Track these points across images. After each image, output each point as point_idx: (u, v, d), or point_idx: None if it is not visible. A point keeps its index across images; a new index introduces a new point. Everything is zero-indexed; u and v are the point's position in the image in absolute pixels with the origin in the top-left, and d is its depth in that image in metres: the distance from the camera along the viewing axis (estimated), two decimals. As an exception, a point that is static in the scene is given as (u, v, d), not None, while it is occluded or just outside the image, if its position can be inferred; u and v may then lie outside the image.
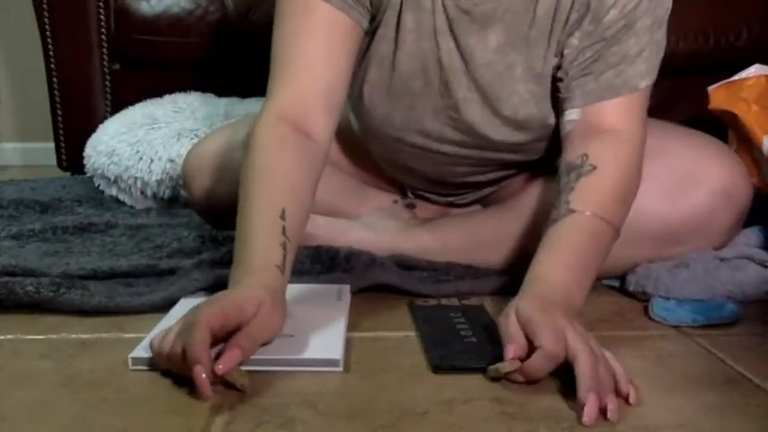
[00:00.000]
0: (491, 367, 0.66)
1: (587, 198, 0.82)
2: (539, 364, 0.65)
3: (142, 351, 0.70)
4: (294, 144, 0.83)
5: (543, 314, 0.67)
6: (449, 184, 1.08)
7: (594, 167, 0.84)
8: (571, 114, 0.90)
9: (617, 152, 0.86)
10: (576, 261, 0.78)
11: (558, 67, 0.90)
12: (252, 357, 0.67)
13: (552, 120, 0.94)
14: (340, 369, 0.69)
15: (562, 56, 0.90)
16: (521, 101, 0.92)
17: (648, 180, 0.89)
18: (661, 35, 0.89)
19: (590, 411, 0.59)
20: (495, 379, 0.66)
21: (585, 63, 0.89)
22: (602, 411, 0.60)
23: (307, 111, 0.85)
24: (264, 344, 0.69)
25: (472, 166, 1.03)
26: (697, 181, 0.91)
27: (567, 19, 0.88)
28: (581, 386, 0.61)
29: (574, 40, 0.89)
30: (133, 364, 0.69)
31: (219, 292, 0.71)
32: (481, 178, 1.06)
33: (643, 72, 0.88)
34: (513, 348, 0.66)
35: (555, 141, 0.95)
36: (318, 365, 0.69)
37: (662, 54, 0.90)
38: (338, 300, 0.85)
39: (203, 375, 0.60)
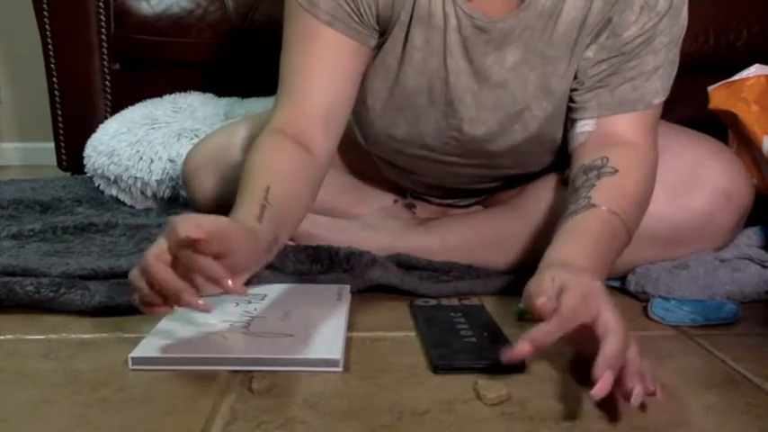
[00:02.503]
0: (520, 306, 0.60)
1: (608, 196, 0.81)
2: (573, 300, 0.61)
3: (142, 351, 0.70)
4: (291, 148, 0.85)
5: (580, 279, 0.65)
6: (449, 189, 1.08)
7: (616, 170, 0.84)
8: (584, 126, 0.90)
9: (637, 161, 0.86)
10: (597, 250, 0.76)
11: (574, 79, 0.90)
12: (252, 357, 0.67)
13: (560, 134, 0.94)
14: (339, 369, 0.69)
15: (578, 67, 0.90)
16: (532, 117, 0.92)
17: None
18: (675, 54, 0.90)
19: (602, 387, 0.55)
20: (522, 318, 0.61)
21: (601, 75, 0.89)
22: (626, 396, 0.57)
23: (306, 130, 0.87)
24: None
25: (473, 176, 1.03)
26: (698, 182, 0.91)
27: (589, 34, 0.88)
28: (601, 360, 0.57)
29: (589, 53, 0.89)
30: (133, 364, 0.69)
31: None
32: (482, 186, 1.06)
33: (658, 89, 0.89)
34: (543, 300, 0.62)
35: (559, 156, 0.96)
36: (318, 365, 0.69)
37: (675, 73, 0.91)
38: (338, 300, 0.85)
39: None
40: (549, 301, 0.63)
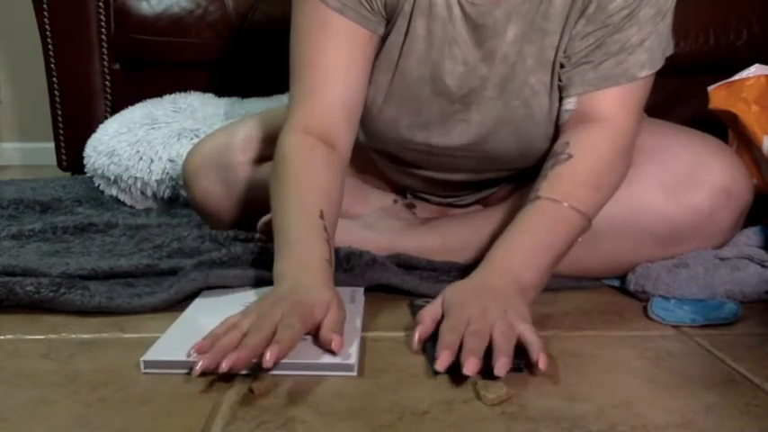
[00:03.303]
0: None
1: (556, 186, 0.85)
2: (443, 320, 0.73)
3: (154, 354, 0.69)
4: (322, 151, 0.88)
5: (461, 292, 0.76)
6: (452, 184, 1.07)
7: (571, 156, 0.87)
8: (568, 104, 0.91)
9: (598, 141, 0.88)
10: (527, 240, 0.82)
11: (563, 53, 0.91)
12: None
13: (556, 114, 0.94)
14: (354, 374, 0.68)
15: (568, 40, 0.90)
16: (532, 92, 0.92)
17: (649, 179, 0.90)
18: (665, 25, 0.89)
19: (442, 361, 0.66)
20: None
21: (587, 50, 0.89)
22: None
23: (329, 124, 0.89)
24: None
25: (477, 167, 1.02)
26: (698, 180, 0.91)
27: (580, 6, 0.88)
28: (439, 344, 0.69)
29: (578, 26, 0.89)
30: (145, 368, 0.68)
31: (280, 290, 0.74)
32: (486, 176, 1.06)
33: (644, 61, 0.88)
34: (417, 331, 0.73)
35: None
36: (332, 370, 0.68)
37: (667, 45, 0.90)
38: (351, 302, 0.85)
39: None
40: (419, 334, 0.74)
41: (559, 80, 0.91)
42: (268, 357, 0.64)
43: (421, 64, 0.92)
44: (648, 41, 0.88)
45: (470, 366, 0.64)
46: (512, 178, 1.05)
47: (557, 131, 0.94)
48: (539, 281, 0.81)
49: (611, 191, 0.88)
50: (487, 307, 0.72)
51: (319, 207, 0.82)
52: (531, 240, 0.82)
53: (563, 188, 0.85)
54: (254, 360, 0.65)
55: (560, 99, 0.92)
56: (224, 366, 0.63)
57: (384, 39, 0.92)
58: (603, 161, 0.88)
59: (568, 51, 0.90)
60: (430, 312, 0.75)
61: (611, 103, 0.89)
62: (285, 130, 0.90)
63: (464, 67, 0.91)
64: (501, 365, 0.64)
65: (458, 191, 1.10)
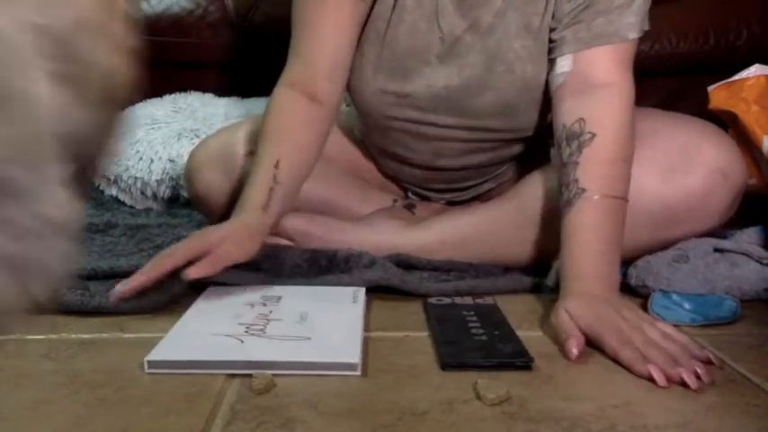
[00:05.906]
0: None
1: (594, 174, 0.85)
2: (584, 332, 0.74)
3: (159, 354, 0.69)
4: (304, 106, 0.96)
5: (587, 309, 0.76)
6: (444, 171, 1.07)
7: (593, 135, 0.87)
8: (563, 66, 0.92)
9: (613, 110, 0.89)
10: (602, 244, 0.83)
11: (552, 17, 0.93)
12: (269, 360, 0.68)
13: (543, 78, 0.96)
14: (357, 373, 0.68)
15: (555, 4, 0.92)
16: (516, 57, 0.95)
17: (645, 162, 0.90)
18: None
19: (658, 377, 0.66)
20: None
21: (576, 11, 0.91)
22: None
23: (314, 80, 0.97)
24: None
25: (465, 143, 1.03)
26: (693, 161, 0.91)
27: None
28: (624, 360, 0.70)
29: None
30: (149, 368, 0.68)
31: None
32: (474, 160, 1.06)
33: (633, 24, 0.91)
34: (574, 342, 0.72)
35: (544, 114, 0.98)
36: (336, 369, 0.68)
37: (647, 14, 0.92)
38: (354, 302, 0.85)
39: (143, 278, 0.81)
40: (580, 342, 0.73)
41: (550, 41, 0.93)
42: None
43: (409, 36, 0.95)
44: (635, 5, 0.90)
45: (662, 379, 0.66)
46: (502, 161, 1.06)
47: (544, 100, 0.96)
48: (618, 276, 0.84)
49: (633, 157, 0.89)
50: (621, 314, 0.74)
51: (276, 157, 0.91)
52: (605, 243, 0.83)
53: (602, 176, 0.85)
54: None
55: (551, 63, 0.94)
56: (133, 285, 0.80)
57: (371, 9, 0.96)
58: (624, 129, 0.89)
59: (557, 15, 0.92)
60: (571, 325, 0.75)
61: (608, 64, 0.91)
62: (277, 86, 0.98)
63: (450, 37, 0.94)
64: (693, 381, 0.66)
65: (452, 182, 1.10)
